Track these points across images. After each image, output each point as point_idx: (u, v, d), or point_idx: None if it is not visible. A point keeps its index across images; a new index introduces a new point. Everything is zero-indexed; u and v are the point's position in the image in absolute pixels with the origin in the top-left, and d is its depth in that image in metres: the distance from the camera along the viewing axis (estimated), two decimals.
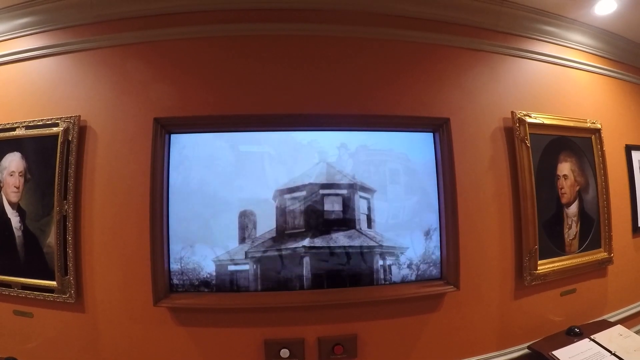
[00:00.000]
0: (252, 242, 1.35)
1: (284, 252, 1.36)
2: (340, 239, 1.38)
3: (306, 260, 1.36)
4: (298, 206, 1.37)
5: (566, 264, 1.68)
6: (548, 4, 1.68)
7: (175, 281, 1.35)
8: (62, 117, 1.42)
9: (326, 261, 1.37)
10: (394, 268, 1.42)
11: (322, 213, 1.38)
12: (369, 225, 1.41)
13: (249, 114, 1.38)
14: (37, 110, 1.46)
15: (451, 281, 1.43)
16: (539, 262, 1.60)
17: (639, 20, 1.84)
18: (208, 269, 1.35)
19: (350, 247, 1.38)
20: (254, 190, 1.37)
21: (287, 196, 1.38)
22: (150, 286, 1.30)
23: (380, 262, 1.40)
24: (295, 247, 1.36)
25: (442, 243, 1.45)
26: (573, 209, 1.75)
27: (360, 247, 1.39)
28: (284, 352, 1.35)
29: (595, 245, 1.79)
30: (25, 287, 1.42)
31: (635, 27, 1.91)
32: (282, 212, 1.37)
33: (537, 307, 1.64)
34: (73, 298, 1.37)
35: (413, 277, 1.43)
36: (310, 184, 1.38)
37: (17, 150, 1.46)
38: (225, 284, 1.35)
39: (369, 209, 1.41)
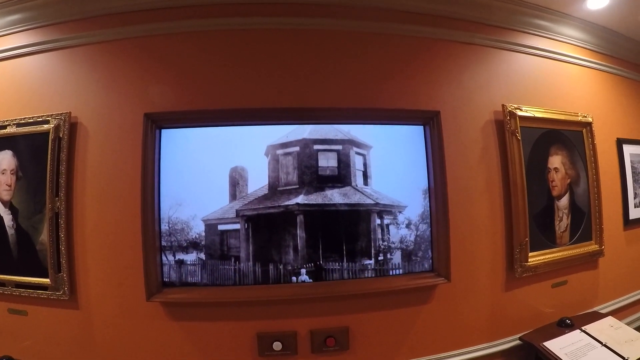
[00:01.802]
0: (244, 199, 1.29)
1: (277, 210, 1.30)
2: (335, 196, 1.33)
3: (300, 218, 1.31)
4: (291, 162, 1.32)
5: (557, 256, 1.69)
6: None
7: (163, 243, 1.31)
8: (52, 114, 1.41)
9: (321, 219, 1.31)
10: (392, 227, 1.37)
11: (316, 169, 1.33)
12: (365, 182, 1.36)
13: (240, 107, 1.38)
14: (28, 107, 1.46)
15: (442, 273, 1.44)
16: (530, 254, 1.61)
17: (630, 15, 1.84)
18: (197, 229, 1.30)
19: (345, 204, 1.33)
20: (246, 145, 1.32)
21: (280, 152, 1.33)
22: (143, 281, 1.30)
23: (378, 221, 1.35)
24: (289, 205, 1.31)
25: (433, 235, 1.45)
26: (564, 201, 1.76)
27: (357, 204, 1.33)
28: (277, 345, 1.36)
29: (586, 237, 1.81)
30: (19, 285, 1.42)
31: (627, 21, 1.92)
32: (274, 168, 1.32)
33: (529, 298, 1.66)
34: (67, 295, 1.38)
35: (412, 238, 1.39)
36: (304, 139, 1.34)
37: (8, 148, 1.46)
38: (214, 244, 1.29)
39: (365, 165, 1.36)
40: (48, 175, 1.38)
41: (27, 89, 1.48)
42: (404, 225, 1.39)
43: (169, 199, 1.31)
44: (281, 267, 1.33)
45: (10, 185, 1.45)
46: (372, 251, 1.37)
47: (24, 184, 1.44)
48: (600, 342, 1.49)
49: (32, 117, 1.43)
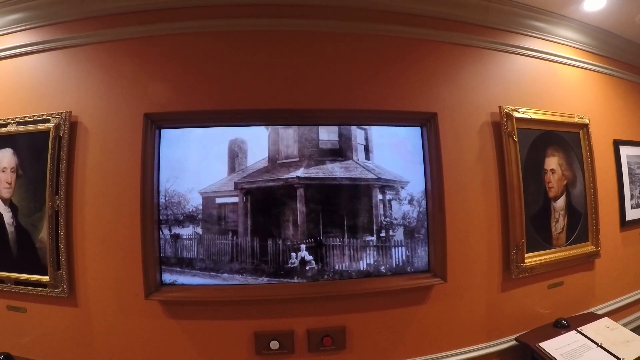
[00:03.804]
0: (243, 172, 1.27)
1: (276, 183, 1.27)
2: (336, 169, 1.30)
3: (300, 192, 1.28)
4: (292, 135, 1.30)
5: (553, 257, 1.70)
6: (536, 0, 1.70)
7: (160, 217, 1.29)
8: (53, 113, 1.43)
9: (321, 193, 1.28)
10: (394, 203, 1.34)
11: (317, 142, 1.31)
12: (367, 157, 1.34)
13: (238, 109, 1.39)
14: (29, 106, 1.47)
15: (438, 274, 1.44)
16: (526, 255, 1.62)
17: (627, 16, 1.85)
18: (194, 202, 1.28)
19: (347, 178, 1.30)
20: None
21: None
22: (142, 280, 1.31)
23: (380, 196, 1.32)
24: (289, 178, 1.28)
25: (430, 236, 1.45)
26: (560, 202, 1.77)
27: (358, 179, 1.30)
28: (274, 344, 1.37)
29: (582, 238, 1.82)
30: (19, 282, 1.44)
31: (624, 23, 1.92)
32: (274, 141, 1.30)
33: (525, 299, 1.67)
34: (66, 292, 1.39)
35: (415, 214, 1.37)
36: None
37: (9, 147, 1.47)
38: (212, 218, 1.27)
39: (366, 139, 1.35)
40: (48, 174, 1.39)
41: (28, 88, 1.50)
42: (407, 201, 1.36)
43: (166, 171, 1.29)
44: (280, 242, 1.31)
45: (10, 183, 1.47)
46: (374, 227, 1.34)
47: (24, 182, 1.45)
48: (596, 343, 1.50)
49: (33, 116, 1.45)
